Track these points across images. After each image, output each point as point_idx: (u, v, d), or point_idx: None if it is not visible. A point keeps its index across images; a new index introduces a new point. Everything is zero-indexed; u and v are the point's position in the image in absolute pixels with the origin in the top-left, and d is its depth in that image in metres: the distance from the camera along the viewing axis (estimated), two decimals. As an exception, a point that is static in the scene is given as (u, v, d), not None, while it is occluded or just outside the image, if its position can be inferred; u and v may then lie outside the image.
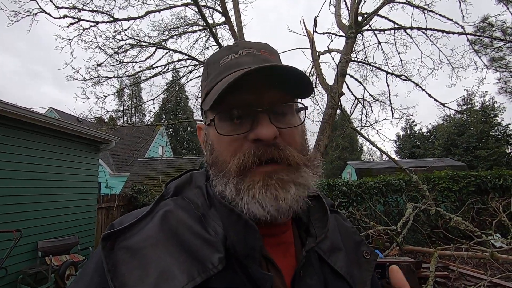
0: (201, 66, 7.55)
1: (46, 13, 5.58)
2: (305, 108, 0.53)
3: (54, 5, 5.53)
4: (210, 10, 7.25)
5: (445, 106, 6.70)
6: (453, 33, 6.08)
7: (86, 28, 6.23)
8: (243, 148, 0.46)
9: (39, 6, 5.48)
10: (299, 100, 0.52)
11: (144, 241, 0.42)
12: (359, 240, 0.60)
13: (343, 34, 6.34)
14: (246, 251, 0.43)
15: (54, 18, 5.69)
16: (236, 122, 0.47)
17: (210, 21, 7.13)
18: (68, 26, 5.97)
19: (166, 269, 0.39)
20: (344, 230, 0.61)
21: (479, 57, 6.52)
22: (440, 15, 6.15)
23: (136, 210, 0.51)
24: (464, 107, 25.03)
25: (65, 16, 5.81)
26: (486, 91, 25.02)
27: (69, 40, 6.17)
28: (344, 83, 6.28)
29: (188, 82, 8.11)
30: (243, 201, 0.44)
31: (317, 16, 5.14)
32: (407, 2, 6.42)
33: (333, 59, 6.81)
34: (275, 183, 0.44)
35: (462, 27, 6.11)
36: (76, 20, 6.00)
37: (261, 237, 0.44)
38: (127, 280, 0.38)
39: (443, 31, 6.13)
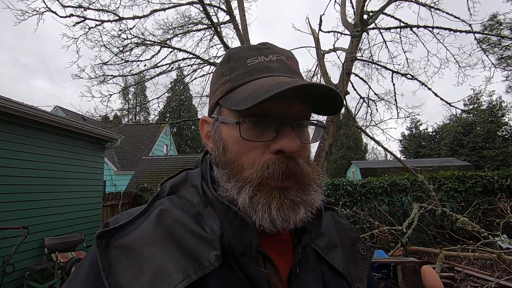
0: (205, 65, 7.55)
1: (52, 12, 5.63)
2: (324, 127, 0.53)
3: (61, 4, 5.57)
4: (215, 8, 7.24)
5: (452, 106, 6.62)
6: (460, 31, 6.00)
7: (92, 27, 6.27)
8: (263, 158, 0.46)
9: (46, 5, 5.53)
10: (321, 118, 0.53)
11: (139, 240, 0.42)
12: (355, 237, 0.60)
13: (349, 33, 6.29)
14: (242, 249, 0.44)
15: (61, 17, 5.73)
16: (260, 128, 0.46)
17: (215, 20, 7.12)
18: (74, 25, 6.02)
19: (161, 267, 0.39)
20: (340, 227, 0.61)
21: (487, 55, 6.42)
22: (447, 13, 6.06)
23: (131, 209, 0.51)
24: (471, 107, 24.74)
25: (71, 15, 5.85)
26: (493, 90, 24.72)
27: (75, 39, 6.22)
28: (349, 82, 6.23)
29: (192, 80, 8.12)
30: (255, 215, 0.45)
31: (323, 14, 5.11)
32: (413, 0, 6.34)
33: (338, 57, 6.77)
34: (289, 204, 0.45)
35: (470, 25, 6.02)
36: (82, 19, 6.04)
37: (257, 235, 0.44)
38: (122, 279, 0.38)
39: (450, 30, 6.05)
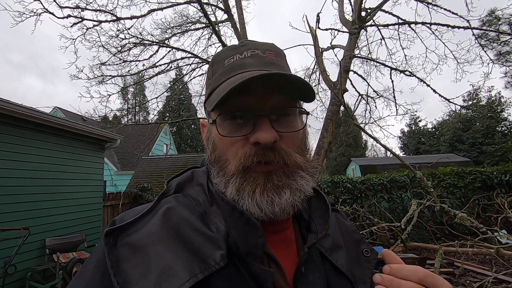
0: (204, 64, 7.54)
1: (50, 13, 5.61)
2: (307, 113, 0.53)
3: (58, 5, 5.56)
4: (213, 7, 7.22)
5: (450, 102, 6.62)
6: (458, 27, 5.99)
7: (90, 28, 6.25)
8: (244, 150, 0.47)
9: (43, 6, 5.51)
10: (300, 105, 0.53)
11: (146, 238, 0.43)
12: (359, 239, 0.61)
13: (346, 30, 6.29)
14: (247, 248, 0.44)
15: (58, 18, 5.71)
16: (238, 123, 0.48)
17: (213, 19, 7.10)
18: (71, 26, 6.00)
19: (168, 266, 0.40)
20: (344, 229, 0.61)
21: (485, 51, 6.42)
22: (445, 9, 6.05)
23: (137, 207, 0.51)
24: (470, 102, 24.72)
25: (69, 16, 5.84)
26: (492, 86, 24.65)
27: (73, 39, 6.21)
28: (348, 79, 6.23)
29: (191, 80, 8.12)
30: (242, 202, 0.46)
31: (320, 12, 5.11)
32: (411, -3, 6.33)
33: (335, 55, 6.75)
34: (271, 187, 0.46)
35: (468, 21, 6.01)
36: (80, 19, 6.03)
37: (263, 235, 0.45)
38: (130, 277, 0.39)
39: (448, 26, 6.03)
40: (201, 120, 0.62)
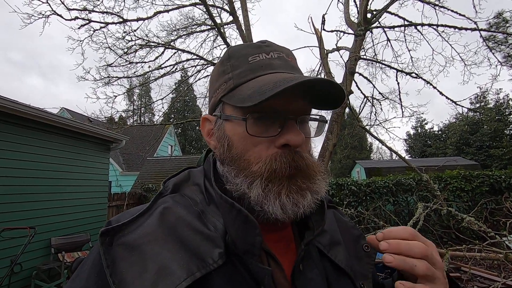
0: (209, 65, 7.58)
1: (58, 15, 5.69)
2: (325, 122, 0.54)
3: (66, 7, 5.64)
4: (218, 9, 7.26)
5: (457, 104, 6.55)
6: (466, 29, 5.93)
7: (97, 29, 6.33)
8: (269, 152, 0.47)
9: (51, 8, 5.60)
10: (320, 112, 0.54)
11: (143, 238, 0.42)
12: (359, 234, 0.60)
13: (352, 32, 6.26)
14: (245, 246, 0.44)
15: (66, 20, 5.80)
16: (265, 124, 0.47)
17: (218, 21, 7.14)
18: (79, 28, 6.08)
19: (164, 265, 0.40)
20: (343, 225, 0.62)
21: (493, 53, 6.34)
22: (452, 11, 6.00)
23: (134, 208, 0.51)
24: (478, 105, 24.43)
25: (76, 17, 5.92)
26: (500, 88, 24.34)
27: (80, 41, 6.29)
28: (353, 81, 6.20)
29: (196, 81, 8.15)
30: (268, 204, 0.45)
31: (325, 13, 5.10)
32: (417, -2, 6.29)
33: (341, 57, 6.74)
34: (296, 189, 0.46)
35: (475, 23, 5.94)
36: (87, 21, 6.10)
37: (261, 233, 0.44)
38: (126, 276, 0.38)
39: (455, 27, 5.98)
40: (203, 114, 0.60)
